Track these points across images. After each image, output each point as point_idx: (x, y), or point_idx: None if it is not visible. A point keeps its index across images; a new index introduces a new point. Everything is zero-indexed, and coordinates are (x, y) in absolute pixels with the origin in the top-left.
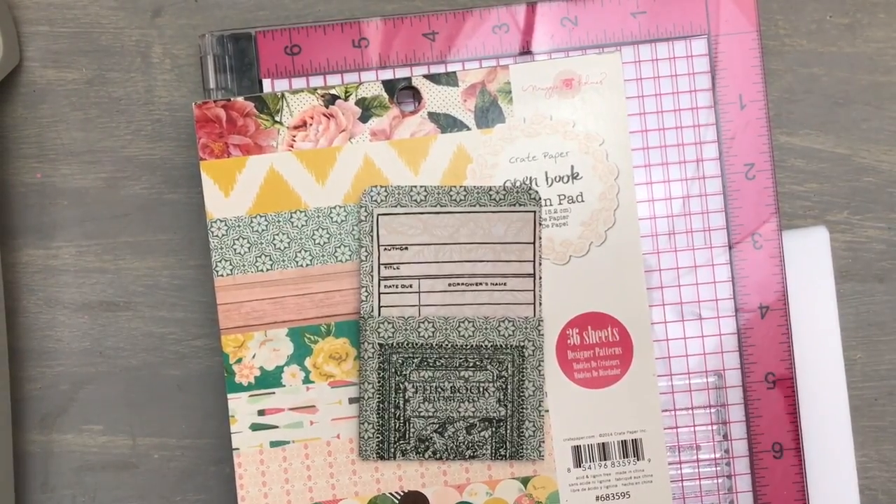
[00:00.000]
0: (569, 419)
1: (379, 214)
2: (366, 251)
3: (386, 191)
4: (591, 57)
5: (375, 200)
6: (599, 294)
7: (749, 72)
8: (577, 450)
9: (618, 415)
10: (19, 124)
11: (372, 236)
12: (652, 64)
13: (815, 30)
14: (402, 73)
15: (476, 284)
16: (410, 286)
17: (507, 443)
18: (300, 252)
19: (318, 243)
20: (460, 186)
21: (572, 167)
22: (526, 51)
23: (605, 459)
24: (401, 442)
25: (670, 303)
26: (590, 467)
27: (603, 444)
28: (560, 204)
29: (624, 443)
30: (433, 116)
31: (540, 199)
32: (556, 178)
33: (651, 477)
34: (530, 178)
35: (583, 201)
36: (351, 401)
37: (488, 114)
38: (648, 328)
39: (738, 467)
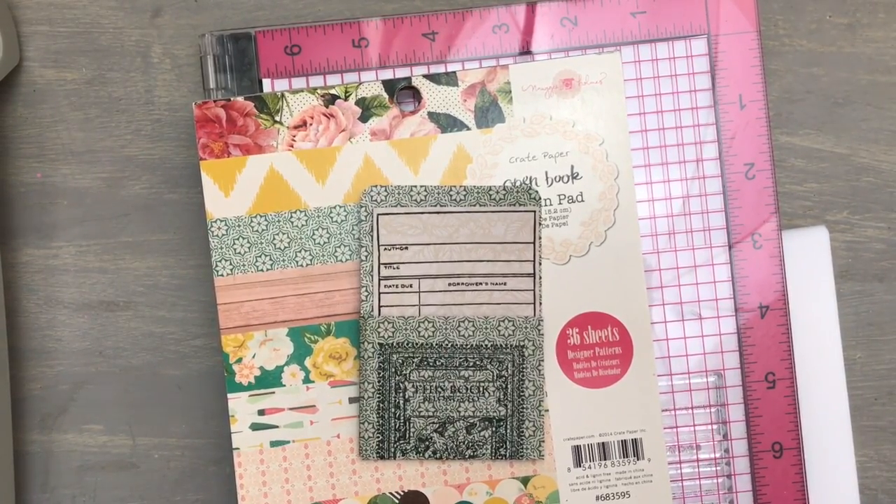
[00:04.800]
0: (569, 419)
1: (379, 214)
2: (366, 251)
3: (386, 190)
4: (591, 57)
5: (375, 200)
6: (599, 294)
7: (749, 72)
8: (577, 449)
9: (618, 414)
10: (19, 124)
11: (372, 236)
12: (652, 64)
13: (815, 30)
14: (401, 73)
15: (476, 284)
16: (410, 286)
17: (507, 442)
18: (300, 252)
19: (318, 243)
20: (460, 186)
21: (572, 167)
22: (526, 51)
23: (605, 459)
24: (401, 442)
25: (670, 302)
26: (590, 467)
27: (603, 443)
28: (560, 204)
29: (624, 442)
30: (433, 116)
31: (540, 198)
32: (555, 177)
33: (651, 477)
34: (530, 177)
35: (583, 201)
36: (351, 400)
37: (488, 114)
38: (648, 328)
39: (737, 467)
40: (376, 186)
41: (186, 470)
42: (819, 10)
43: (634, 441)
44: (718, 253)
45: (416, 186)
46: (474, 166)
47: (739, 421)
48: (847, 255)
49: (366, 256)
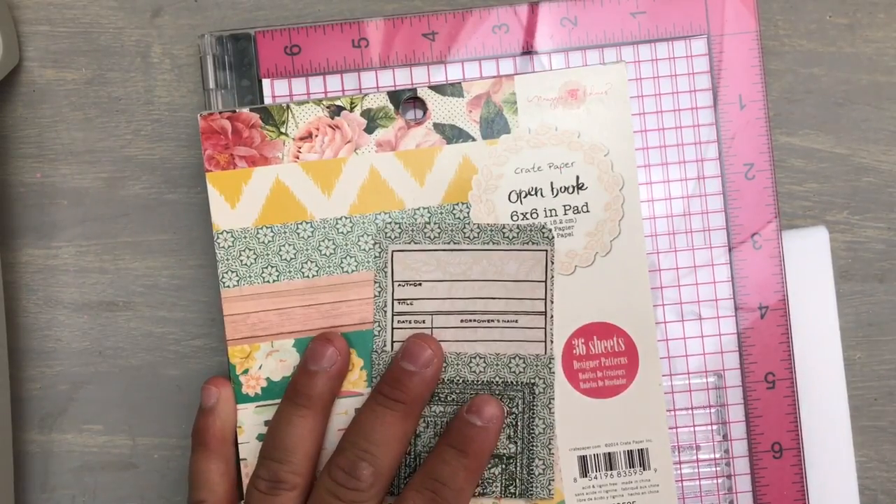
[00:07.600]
0: (575, 429)
1: (394, 251)
2: (379, 286)
3: (400, 227)
4: (597, 67)
5: (390, 237)
6: (605, 304)
7: (749, 72)
8: (583, 460)
9: (624, 424)
10: (19, 124)
11: (386, 272)
12: (651, 64)
13: (815, 30)
14: (402, 73)
15: (488, 321)
16: (423, 321)
17: (517, 480)
18: (306, 263)
19: (325, 254)
20: (474, 224)
21: (577, 178)
22: (526, 51)
23: (611, 469)
24: (410, 476)
25: (670, 303)
26: (596, 477)
27: (609, 453)
28: (565, 214)
29: (630, 452)
30: (438, 127)
31: (553, 237)
32: (561, 188)
33: (657, 487)
34: (535, 188)
35: (588, 212)
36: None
37: (494, 124)
38: (654, 338)
39: (737, 467)
40: (390, 223)
41: (186, 470)
42: (819, 10)
43: (640, 451)
44: (718, 253)
45: (429, 224)
46: (480, 177)
47: (739, 421)
48: (847, 255)
49: (379, 292)
